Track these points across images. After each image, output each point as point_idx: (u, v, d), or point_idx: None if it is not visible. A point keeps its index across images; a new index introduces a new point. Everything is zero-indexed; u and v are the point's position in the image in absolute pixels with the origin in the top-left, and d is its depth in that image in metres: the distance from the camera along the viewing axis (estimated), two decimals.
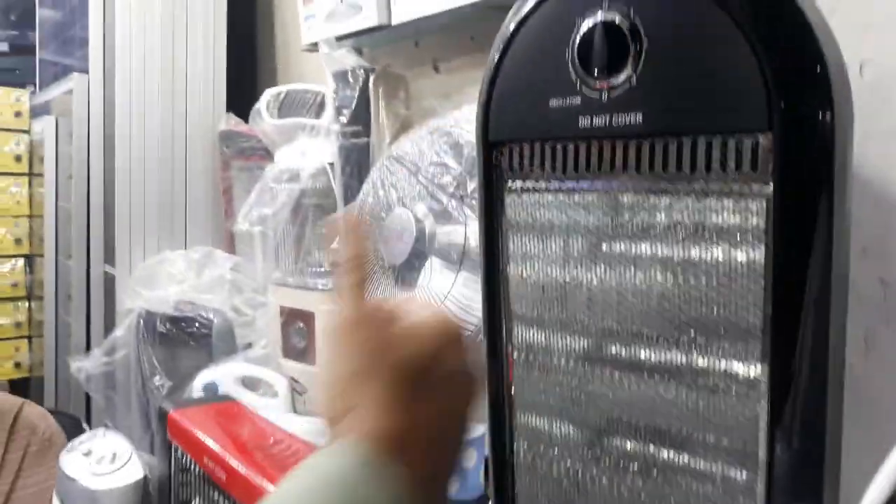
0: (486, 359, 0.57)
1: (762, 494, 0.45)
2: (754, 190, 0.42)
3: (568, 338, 0.52)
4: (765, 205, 0.41)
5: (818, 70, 0.42)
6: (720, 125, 0.42)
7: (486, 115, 0.51)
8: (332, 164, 1.26)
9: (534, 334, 0.54)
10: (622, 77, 0.44)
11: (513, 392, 0.56)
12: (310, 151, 1.31)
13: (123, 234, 1.50)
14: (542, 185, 0.50)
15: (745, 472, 0.46)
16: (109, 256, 1.57)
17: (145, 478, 0.96)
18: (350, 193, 1.18)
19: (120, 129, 1.48)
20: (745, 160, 0.41)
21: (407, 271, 1.03)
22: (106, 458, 0.98)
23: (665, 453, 0.49)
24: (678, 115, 0.43)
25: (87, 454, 1.02)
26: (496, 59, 0.50)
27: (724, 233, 0.44)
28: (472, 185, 0.95)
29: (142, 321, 1.42)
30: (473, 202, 0.96)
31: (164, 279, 1.42)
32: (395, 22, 1.21)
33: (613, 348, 0.51)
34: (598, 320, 0.51)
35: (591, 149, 0.47)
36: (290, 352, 1.36)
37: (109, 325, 1.56)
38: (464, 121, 1.01)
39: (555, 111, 0.47)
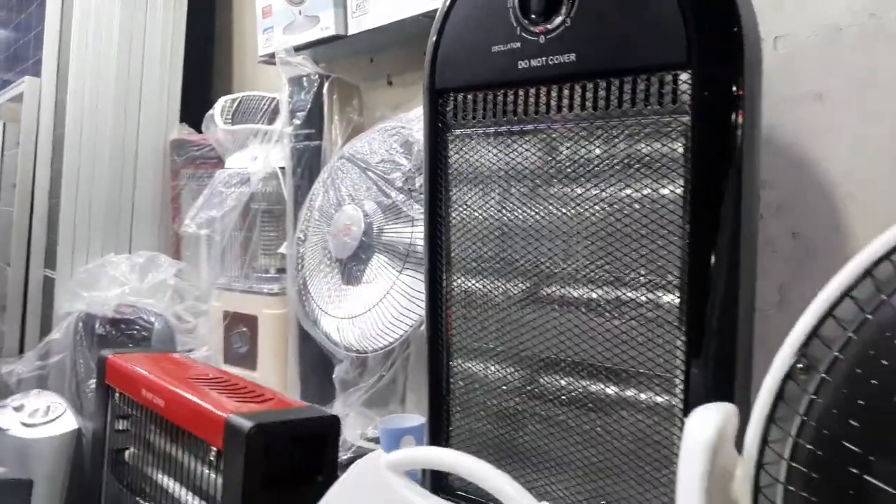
0: (427, 306, 0.59)
1: (680, 415, 0.48)
2: (675, 122, 0.46)
3: (506, 281, 0.55)
4: (684, 134, 0.45)
5: (733, 23, 0.47)
6: (645, 63, 0.46)
7: (433, 63, 0.54)
8: (282, 169, 1.28)
9: (473, 280, 0.57)
10: (558, 21, 0.48)
11: (451, 339, 0.58)
12: (261, 156, 1.33)
13: (67, 238, 1.48)
14: (483, 129, 0.54)
15: (666, 397, 0.49)
16: (50, 261, 1.54)
17: (79, 430, 0.93)
18: (300, 194, 1.20)
19: (70, 132, 1.48)
20: (666, 94, 0.45)
21: (354, 265, 1.04)
22: (39, 412, 0.95)
23: (595, 385, 0.52)
24: (608, 55, 0.47)
25: (19, 408, 0.98)
26: (444, 10, 0.53)
27: (649, 164, 0.47)
28: (421, 180, 0.98)
29: (80, 323, 1.39)
30: (421, 197, 0.99)
31: (107, 282, 1.40)
32: (351, 32, 1.25)
33: (549, 288, 0.53)
34: (534, 262, 0.54)
35: (528, 90, 0.50)
36: (232, 357, 1.35)
37: (46, 331, 1.52)
38: (414, 121, 1.04)
39: (496, 56, 0.51)
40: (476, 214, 0.55)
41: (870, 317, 0.34)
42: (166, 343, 1.38)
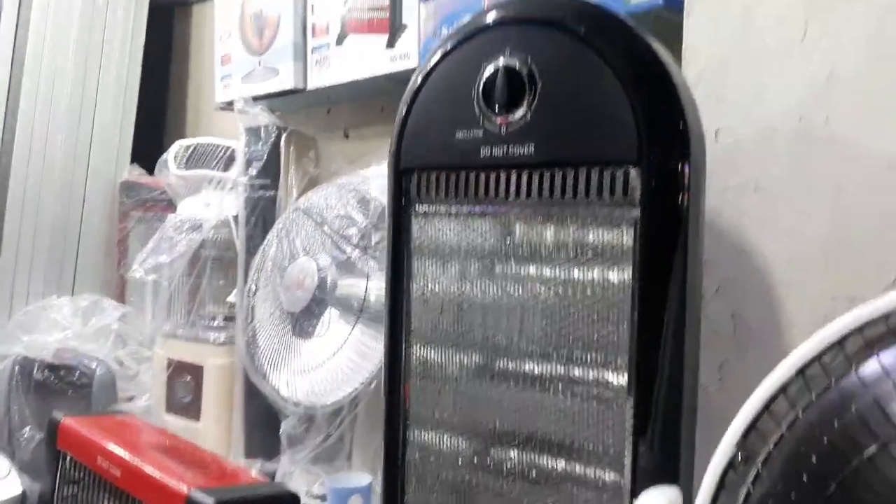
0: (385, 377, 0.60)
1: (627, 493, 0.50)
2: (625, 213, 0.49)
3: (461, 353, 0.57)
4: (633, 225, 0.48)
5: (679, 120, 0.50)
6: (599, 158, 0.49)
7: (399, 143, 0.57)
8: (235, 217, 1.28)
9: (430, 351, 0.58)
10: (519, 114, 0.51)
11: (409, 409, 0.59)
12: (214, 203, 1.33)
13: (6, 277, 1.44)
14: (445, 209, 0.56)
15: (614, 474, 0.51)
16: None
17: (24, 493, 0.89)
18: (253, 244, 1.20)
19: (17, 166, 1.45)
20: (617, 187, 0.48)
21: (306, 319, 1.05)
22: None
23: (546, 460, 0.54)
24: (565, 148, 0.50)
25: None
26: (411, 94, 0.56)
27: (600, 251, 0.50)
28: (377, 237, 1.00)
29: (17, 367, 1.35)
30: (377, 254, 1.01)
31: (47, 325, 1.37)
32: (310, 87, 1.27)
33: (502, 362, 0.55)
34: (489, 336, 0.56)
35: (489, 175, 0.53)
36: (174, 406, 1.32)
37: None
38: (372, 179, 1.06)
39: (460, 142, 0.53)
40: (436, 288, 0.57)
41: (800, 415, 0.37)
42: (107, 390, 1.35)
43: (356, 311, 1.01)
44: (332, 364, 1.01)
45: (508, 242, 0.54)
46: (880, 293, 0.53)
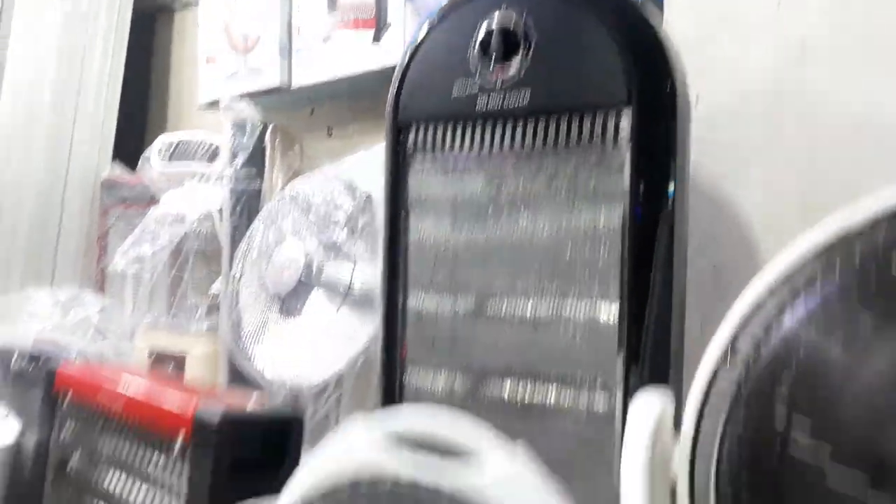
0: (383, 324, 0.62)
1: (619, 420, 0.53)
2: (617, 153, 0.52)
3: (457, 299, 0.59)
4: (625, 164, 0.52)
5: (666, 66, 0.54)
6: (592, 103, 0.52)
7: (397, 98, 0.59)
8: (220, 211, 1.30)
9: (427, 299, 0.61)
10: (514, 66, 0.54)
11: (405, 358, 0.61)
12: (198, 196, 1.34)
13: None
14: (442, 160, 0.59)
15: (605, 404, 0.54)
16: None
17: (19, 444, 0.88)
18: (238, 234, 1.21)
19: None
20: (609, 128, 0.52)
21: (292, 301, 1.06)
22: None
23: (538, 392, 0.56)
24: (558, 95, 0.53)
25: None
26: (410, 51, 0.59)
27: (593, 190, 0.53)
28: (363, 220, 1.02)
29: None
30: (364, 237, 1.03)
31: (25, 316, 1.36)
32: (294, 85, 1.29)
33: (496, 303, 0.58)
34: (485, 281, 0.58)
35: (486, 126, 0.56)
36: None
37: None
38: (356, 163, 1.09)
39: (457, 95, 0.56)
40: (432, 236, 0.60)
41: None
42: None
43: (342, 295, 1.03)
44: (317, 346, 1.02)
45: (504, 190, 0.57)
46: None
